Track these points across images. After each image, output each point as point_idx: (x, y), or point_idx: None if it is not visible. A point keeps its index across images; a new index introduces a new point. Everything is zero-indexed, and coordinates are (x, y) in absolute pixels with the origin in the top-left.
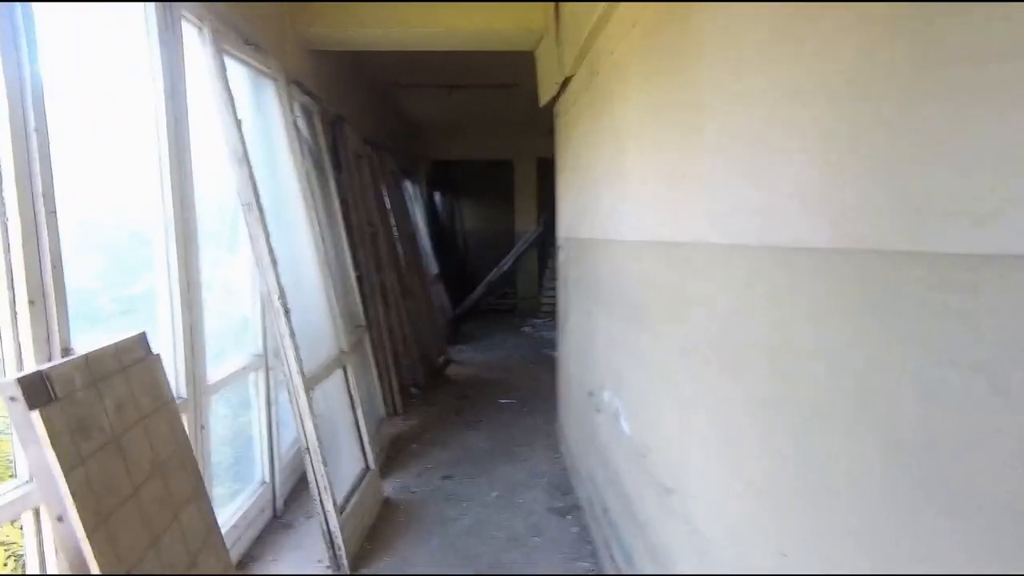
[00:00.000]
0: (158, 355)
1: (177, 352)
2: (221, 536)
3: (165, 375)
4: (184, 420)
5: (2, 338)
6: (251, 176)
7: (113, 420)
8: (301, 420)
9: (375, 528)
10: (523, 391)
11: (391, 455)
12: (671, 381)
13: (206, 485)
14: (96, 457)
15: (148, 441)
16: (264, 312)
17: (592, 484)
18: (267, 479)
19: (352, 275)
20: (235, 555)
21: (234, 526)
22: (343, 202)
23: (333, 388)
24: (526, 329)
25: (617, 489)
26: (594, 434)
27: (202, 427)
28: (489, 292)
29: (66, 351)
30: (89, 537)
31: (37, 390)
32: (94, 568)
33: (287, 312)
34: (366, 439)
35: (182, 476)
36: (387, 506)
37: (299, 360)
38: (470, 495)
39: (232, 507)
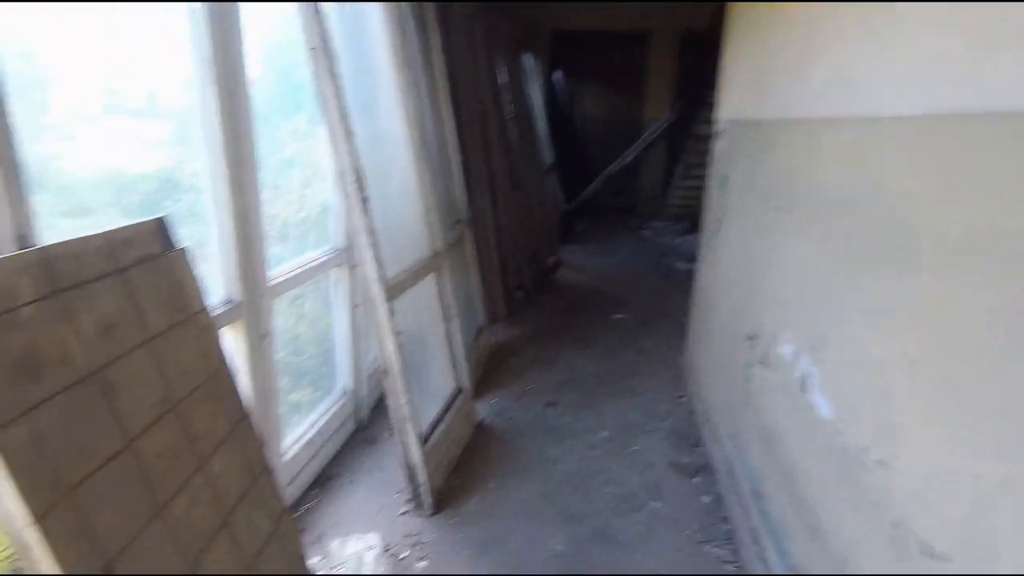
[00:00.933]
0: (183, 250)
1: (226, 246)
2: (273, 481)
3: (193, 276)
4: (239, 329)
5: None
6: (317, 13)
7: (93, 347)
8: (380, 337)
9: (464, 459)
10: (640, 307)
11: (489, 369)
12: (962, 376)
13: (274, 398)
14: (54, 405)
15: (158, 371)
16: (345, 197)
17: (735, 448)
18: (350, 388)
19: (456, 160)
20: (313, 471)
21: (310, 441)
22: (450, 73)
23: (423, 295)
24: (646, 232)
25: (786, 482)
26: (748, 390)
27: (263, 336)
28: (607, 187)
29: (23, 242)
30: (39, 522)
31: None
32: (48, 566)
33: (365, 201)
34: (460, 355)
35: (214, 411)
36: (480, 432)
37: (379, 263)
38: (575, 431)
39: (311, 418)
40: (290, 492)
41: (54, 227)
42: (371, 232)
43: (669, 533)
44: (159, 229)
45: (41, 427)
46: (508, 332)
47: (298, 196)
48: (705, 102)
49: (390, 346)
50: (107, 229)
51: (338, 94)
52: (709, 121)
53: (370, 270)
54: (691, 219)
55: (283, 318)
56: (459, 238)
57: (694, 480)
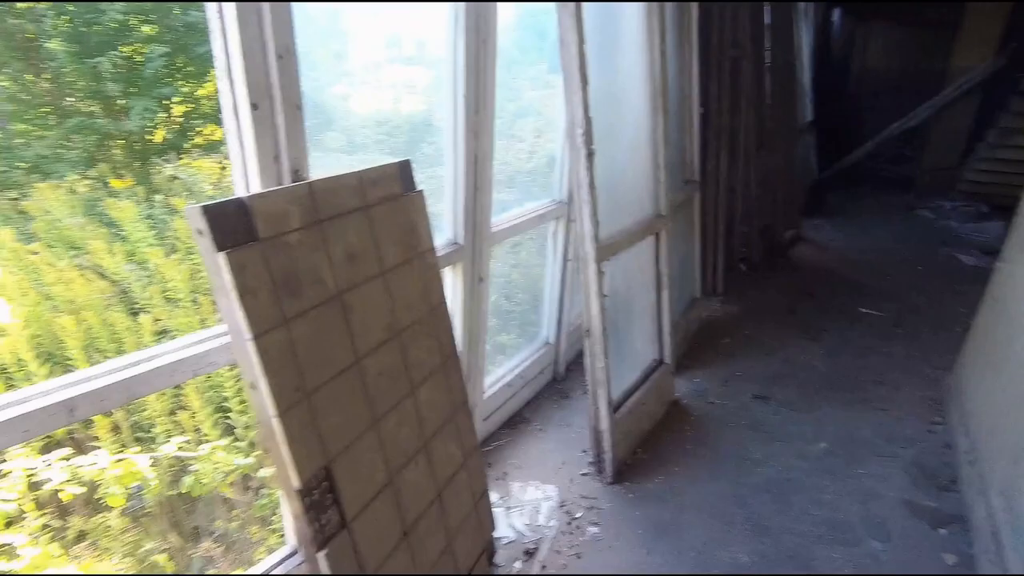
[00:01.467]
0: (420, 192)
1: (458, 190)
2: (470, 417)
3: (426, 218)
4: (458, 271)
5: (231, 155)
6: None
7: (339, 273)
8: (586, 297)
9: (654, 434)
10: (900, 304)
11: (695, 345)
12: None
13: (481, 342)
14: (307, 318)
15: (388, 301)
16: (569, 150)
17: (1011, 515)
18: (552, 340)
19: (695, 114)
20: (507, 412)
21: (508, 384)
22: (703, 12)
23: (637, 259)
24: (925, 213)
25: None
26: None
27: (480, 279)
28: (879, 153)
29: (297, 176)
30: (281, 416)
31: (230, 226)
32: (285, 455)
33: (590, 154)
34: (666, 326)
35: (429, 345)
36: (675, 410)
37: (594, 221)
38: (787, 434)
39: (513, 362)
40: (484, 427)
41: (337, 162)
42: (591, 188)
43: None
44: (402, 172)
45: (294, 337)
46: (723, 308)
47: (529, 145)
48: None
49: (595, 307)
50: (359, 169)
51: (579, 40)
52: None
53: (585, 227)
54: (993, 201)
55: (500, 263)
56: (686, 200)
57: (939, 531)
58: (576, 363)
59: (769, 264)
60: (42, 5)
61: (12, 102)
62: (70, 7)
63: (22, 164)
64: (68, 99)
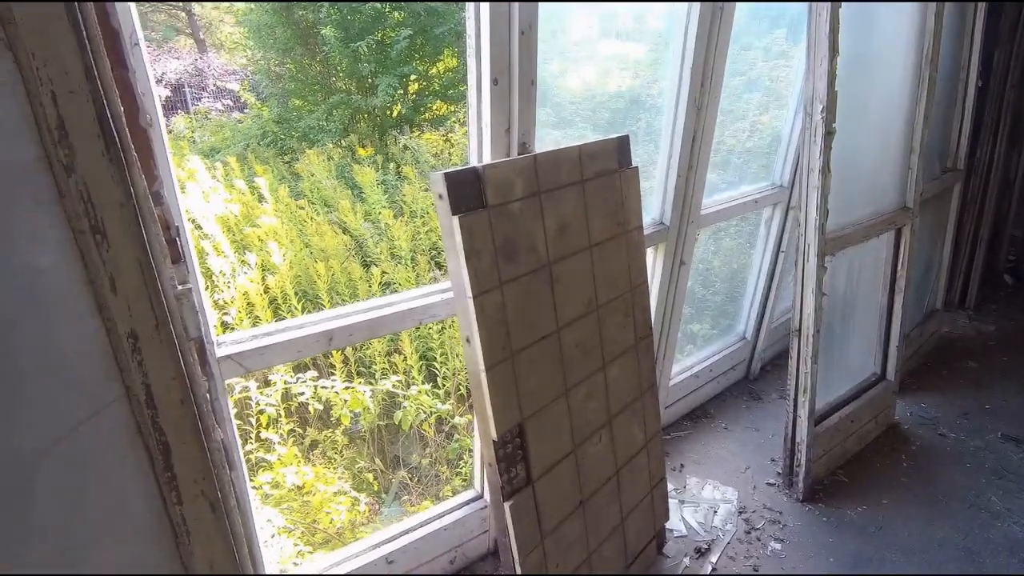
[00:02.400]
0: (635, 168)
1: (671, 168)
2: (656, 401)
3: (638, 195)
4: (659, 252)
5: (470, 126)
6: None
7: (552, 243)
8: (801, 292)
9: (862, 458)
10: None
11: (928, 364)
12: None
13: (674, 328)
14: (519, 284)
15: (591, 275)
16: (802, 129)
17: None
18: (749, 336)
19: (970, 88)
20: (691, 403)
21: (696, 375)
22: None
23: (869, 257)
24: None
25: None
26: None
27: (682, 263)
28: None
29: (524, 148)
30: (488, 371)
31: (465, 192)
32: (487, 406)
33: (828, 136)
34: (895, 338)
35: (624, 323)
36: (892, 435)
37: (823, 209)
38: None
39: (704, 352)
40: (665, 415)
41: (544, 136)
42: (824, 173)
43: None
44: (620, 147)
45: (507, 299)
46: (972, 325)
47: (751, 123)
48: None
49: (809, 305)
50: (580, 143)
51: (832, 7)
52: None
53: (810, 216)
54: None
55: (701, 248)
56: (942, 192)
57: None
58: (775, 364)
59: None
60: None
61: (293, 81)
62: None
63: (295, 133)
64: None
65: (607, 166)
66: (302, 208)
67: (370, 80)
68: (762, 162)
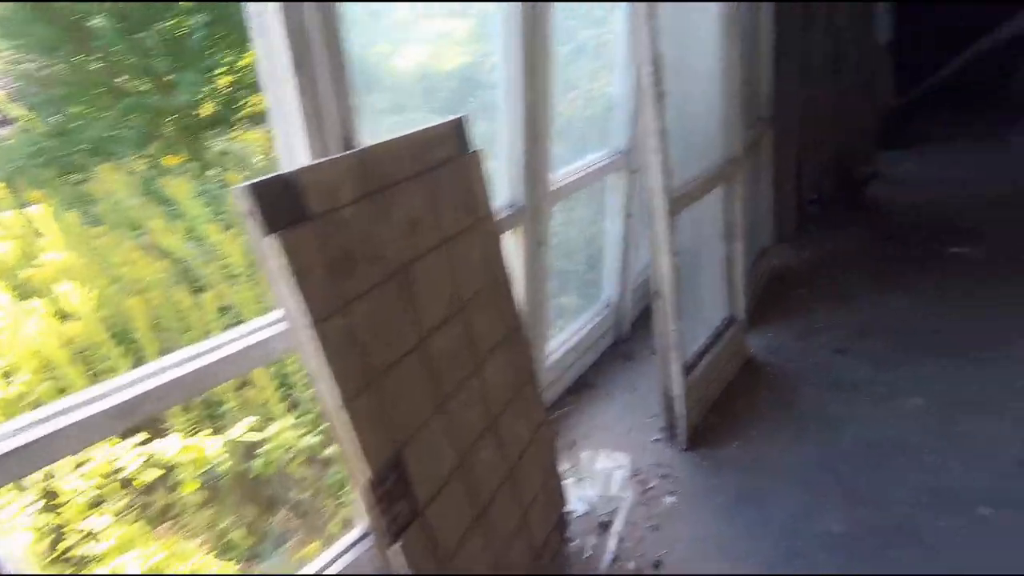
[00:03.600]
0: (477, 152)
1: (515, 146)
2: (537, 390)
3: (485, 180)
4: (518, 234)
5: (274, 124)
6: None
7: (401, 244)
8: (655, 255)
9: (727, 396)
10: (994, 240)
11: (767, 297)
12: None
13: (545, 305)
14: (368, 299)
15: (450, 272)
16: (636, 93)
17: None
18: (614, 299)
19: (767, 41)
20: (571, 377)
21: (572, 348)
22: None
23: (708, 210)
24: (1019, 138)
25: None
26: None
27: (540, 244)
28: (965, 73)
29: (348, 144)
30: (348, 405)
31: (280, 204)
32: (355, 445)
33: (660, 96)
34: (739, 281)
35: (493, 317)
36: (749, 369)
37: (665, 171)
38: (874, 392)
39: (575, 325)
40: (547, 395)
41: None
42: (662, 134)
43: (1004, 550)
44: (457, 130)
45: (354, 320)
46: (795, 255)
47: (585, 91)
48: None
49: (665, 266)
50: (412, 130)
51: None
52: None
53: (654, 179)
54: None
55: (555, 221)
56: (758, 139)
57: None
58: (640, 322)
59: (844, 204)
60: None
61: (65, 85)
62: None
63: (80, 147)
64: (119, 78)
65: (449, 152)
66: (101, 236)
67: (168, 76)
68: (601, 130)
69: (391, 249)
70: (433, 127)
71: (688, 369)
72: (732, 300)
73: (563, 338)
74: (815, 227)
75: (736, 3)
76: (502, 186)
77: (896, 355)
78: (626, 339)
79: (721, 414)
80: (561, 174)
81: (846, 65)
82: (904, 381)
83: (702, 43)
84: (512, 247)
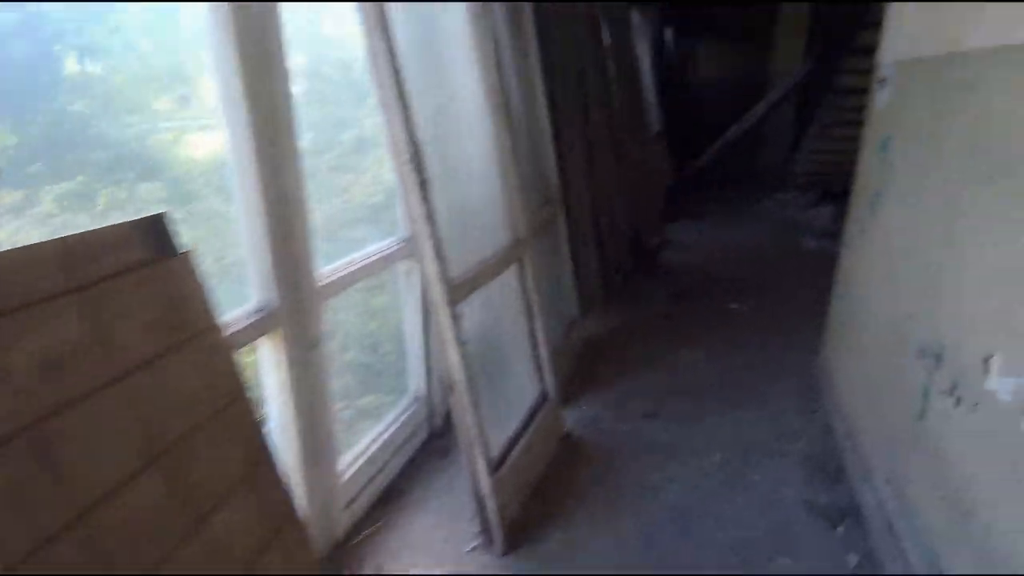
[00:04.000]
0: (186, 254)
1: (257, 241)
2: (301, 531)
3: (199, 285)
4: (277, 340)
5: None
6: None
7: (31, 392)
8: (443, 345)
9: (548, 479)
10: (762, 294)
11: (580, 368)
12: None
13: (327, 414)
14: None
15: (136, 412)
16: (398, 181)
17: (900, 501)
18: (423, 391)
19: (547, 130)
20: (379, 486)
21: (379, 452)
22: (541, 28)
23: (503, 289)
24: (769, 205)
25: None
26: (925, 429)
27: (313, 344)
28: (725, 155)
29: None
30: None
31: None
32: None
33: (423, 184)
34: (545, 358)
35: (221, 454)
36: (567, 447)
37: (440, 259)
38: (682, 452)
39: (379, 427)
40: (348, 516)
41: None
42: (431, 221)
43: None
44: (153, 229)
45: None
46: (604, 323)
47: (372, 178)
48: (851, 47)
49: (454, 357)
50: (67, 234)
51: (389, 49)
52: (856, 71)
53: (430, 268)
54: (823, 188)
55: (349, 313)
56: (549, 219)
57: (837, 530)
58: None
59: (643, 271)
60: None
61: None
62: None
63: None
64: None
65: (133, 257)
66: None
67: None
68: (388, 216)
69: (16, 399)
70: (105, 229)
71: (498, 463)
72: (542, 378)
73: (365, 443)
74: (619, 296)
75: (501, 97)
76: (251, 286)
77: (697, 410)
78: (441, 433)
79: (542, 499)
80: (339, 265)
81: (627, 149)
82: (706, 436)
83: (475, 132)
84: (271, 356)
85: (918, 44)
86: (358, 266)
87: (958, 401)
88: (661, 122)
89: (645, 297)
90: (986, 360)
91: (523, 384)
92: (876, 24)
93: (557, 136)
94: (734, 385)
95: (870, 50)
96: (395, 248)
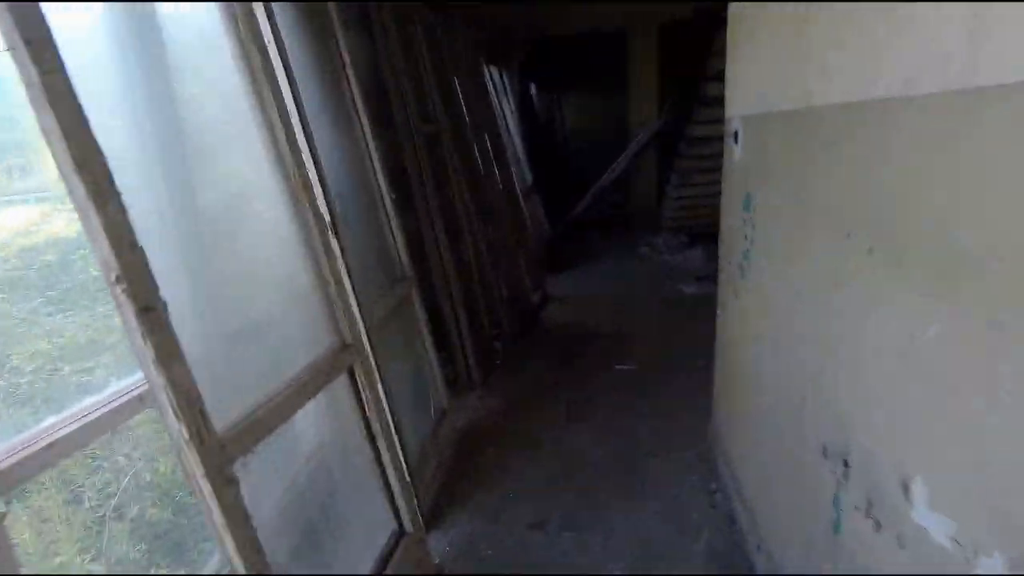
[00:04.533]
0: None
1: None
2: None
3: None
4: None
5: None
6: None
7: None
8: (215, 528)
9: None
10: (647, 350)
11: (455, 469)
12: None
13: None
14: None
15: None
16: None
17: None
18: (233, 558)
19: (385, 202)
20: None
21: None
22: (376, 87)
23: (333, 406)
24: (643, 250)
25: None
26: (840, 542)
27: None
28: (597, 204)
29: None
30: None
31: None
32: None
33: (146, 310)
34: (398, 486)
35: None
36: None
37: (193, 410)
38: (579, 566)
39: None
40: None
41: None
42: (166, 364)
43: None
44: None
45: None
46: (484, 404)
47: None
48: (699, 99)
49: (231, 544)
50: None
51: (73, 107)
52: (707, 121)
53: (170, 420)
54: (691, 231)
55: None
56: (402, 300)
57: None
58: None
59: (525, 333)
60: None
61: None
62: None
63: None
64: None
65: None
66: None
67: None
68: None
69: None
70: None
71: None
72: (396, 512)
73: None
74: (502, 367)
75: (303, 176)
76: None
77: (590, 512)
78: None
79: None
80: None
81: (496, 207)
82: (602, 543)
83: (260, 218)
84: None
85: (768, 98)
86: (73, 427)
87: (877, 526)
88: (533, 176)
89: (527, 365)
90: (905, 484)
91: (373, 523)
92: (718, 77)
93: (404, 206)
94: (627, 469)
95: (716, 100)
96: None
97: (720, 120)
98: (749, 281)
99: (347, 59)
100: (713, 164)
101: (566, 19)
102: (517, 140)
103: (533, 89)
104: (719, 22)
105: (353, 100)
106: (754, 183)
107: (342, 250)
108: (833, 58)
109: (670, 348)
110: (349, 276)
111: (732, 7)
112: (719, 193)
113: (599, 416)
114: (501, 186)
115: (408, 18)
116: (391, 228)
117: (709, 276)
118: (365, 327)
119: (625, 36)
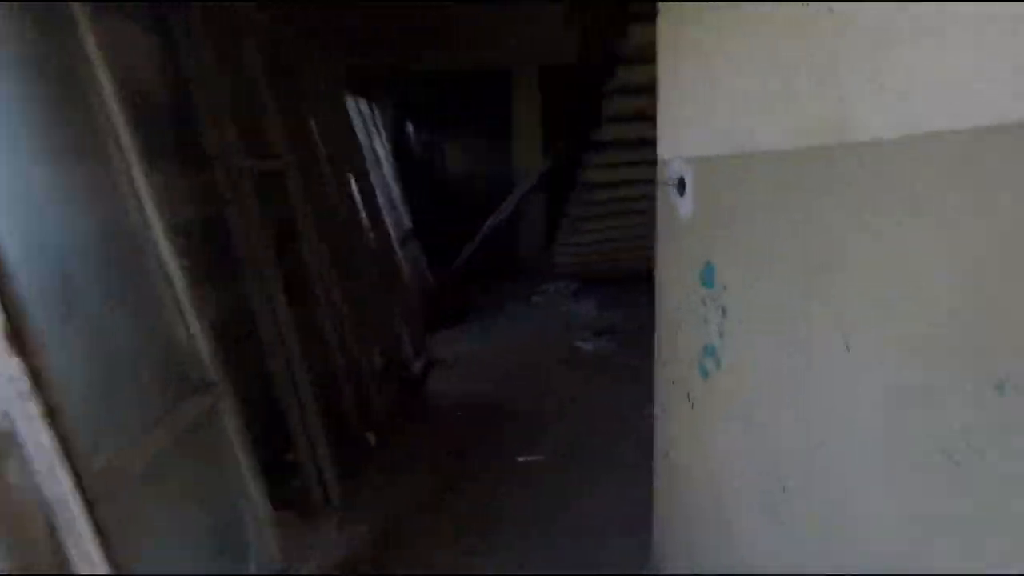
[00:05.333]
0: None
1: None
2: None
3: None
4: None
5: None
6: None
7: None
8: None
9: None
10: (554, 429)
11: None
12: None
13: None
14: None
15: None
16: None
17: None
18: None
19: (171, 276)
20: None
21: None
22: (184, 113)
23: None
24: (536, 299)
25: None
26: None
27: None
28: (484, 250)
29: None
30: None
31: None
32: None
33: None
34: None
35: None
36: None
37: None
38: None
39: None
40: None
41: None
42: None
43: None
44: None
45: None
46: (345, 534)
47: None
48: (592, 144)
49: None
50: None
51: None
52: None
53: None
54: (583, 277)
55: None
56: (201, 417)
57: None
58: None
59: (406, 414)
60: None
61: None
62: None
63: None
64: None
65: None
66: None
67: None
68: None
69: None
70: None
71: None
72: None
73: None
74: (373, 468)
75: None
76: None
77: None
78: None
79: None
80: None
81: (361, 260)
82: None
83: None
84: None
85: (739, 135)
86: None
87: None
88: (411, 220)
89: (408, 463)
90: None
91: None
92: (613, 119)
93: (213, 273)
94: None
95: (610, 144)
96: None
97: (615, 164)
98: (717, 385)
99: (104, 71)
100: (604, 210)
101: (447, 55)
102: (391, 181)
103: (410, 127)
104: (613, 60)
105: (113, 127)
106: (721, 250)
107: (35, 375)
108: (885, 61)
109: (579, 427)
110: (52, 417)
111: (665, 18)
112: (612, 240)
113: (504, 534)
114: (371, 233)
115: (236, 28)
116: (181, 313)
117: (605, 331)
118: (80, 483)
119: (510, 75)
